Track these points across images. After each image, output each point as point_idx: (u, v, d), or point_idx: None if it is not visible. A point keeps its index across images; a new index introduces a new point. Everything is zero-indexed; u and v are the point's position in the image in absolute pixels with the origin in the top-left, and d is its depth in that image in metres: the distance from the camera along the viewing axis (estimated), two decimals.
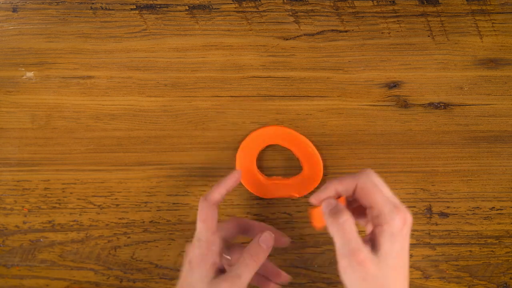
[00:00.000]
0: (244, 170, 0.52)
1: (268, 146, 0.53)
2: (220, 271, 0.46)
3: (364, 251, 0.40)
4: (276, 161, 0.53)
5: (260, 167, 0.53)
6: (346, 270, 0.40)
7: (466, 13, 0.51)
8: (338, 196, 0.44)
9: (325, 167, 0.53)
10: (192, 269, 0.45)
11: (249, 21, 0.51)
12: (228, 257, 0.46)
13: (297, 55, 0.52)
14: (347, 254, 0.40)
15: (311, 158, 0.52)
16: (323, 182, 0.53)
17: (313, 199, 0.44)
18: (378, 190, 0.42)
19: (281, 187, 0.53)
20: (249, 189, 0.53)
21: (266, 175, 0.53)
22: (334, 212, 0.42)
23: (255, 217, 0.54)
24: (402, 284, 0.41)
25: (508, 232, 0.54)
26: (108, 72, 0.52)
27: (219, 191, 0.47)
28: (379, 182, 0.43)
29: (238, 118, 0.53)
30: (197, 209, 0.54)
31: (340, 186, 0.44)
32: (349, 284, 0.41)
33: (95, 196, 0.54)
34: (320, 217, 0.44)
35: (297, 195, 0.52)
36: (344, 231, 0.41)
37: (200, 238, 0.45)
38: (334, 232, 0.42)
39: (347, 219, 0.42)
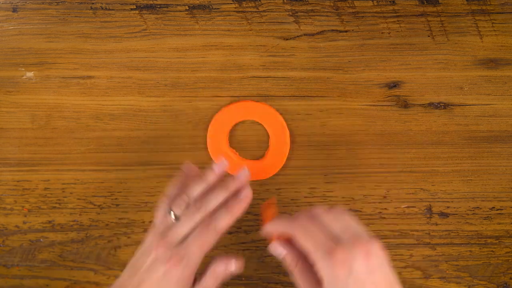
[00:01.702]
0: (215, 149, 0.52)
1: (237, 123, 0.52)
2: None
3: None
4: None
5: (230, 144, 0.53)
6: None
7: (466, 13, 0.51)
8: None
9: (325, 167, 0.53)
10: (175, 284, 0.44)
11: (249, 21, 0.51)
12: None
13: (297, 55, 0.52)
14: None
15: (279, 130, 0.52)
16: (290, 153, 0.53)
17: (265, 233, 0.45)
18: (304, 235, 0.40)
19: (252, 168, 0.52)
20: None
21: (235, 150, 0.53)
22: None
23: (255, 217, 0.54)
24: None
25: (508, 232, 0.54)
26: (108, 72, 0.52)
27: (228, 222, 0.45)
28: (308, 221, 0.41)
29: None
30: None
31: (281, 229, 0.44)
32: None
33: (95, 196, 0.54)
34: (268, 216, 0.46)
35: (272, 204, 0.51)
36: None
37: (192, 260, 0.44)
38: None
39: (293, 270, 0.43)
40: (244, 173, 0.46)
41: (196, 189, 0.45)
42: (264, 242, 0.54)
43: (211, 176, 0.46)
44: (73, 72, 0.53)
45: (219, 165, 0.46)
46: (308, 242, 0.40)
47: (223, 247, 0.55)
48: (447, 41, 0.51)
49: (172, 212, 0.45)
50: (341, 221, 0.41)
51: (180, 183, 0.47)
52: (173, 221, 0.45)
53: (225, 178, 0.46)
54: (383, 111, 0.53)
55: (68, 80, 0.53)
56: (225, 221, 0.45)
